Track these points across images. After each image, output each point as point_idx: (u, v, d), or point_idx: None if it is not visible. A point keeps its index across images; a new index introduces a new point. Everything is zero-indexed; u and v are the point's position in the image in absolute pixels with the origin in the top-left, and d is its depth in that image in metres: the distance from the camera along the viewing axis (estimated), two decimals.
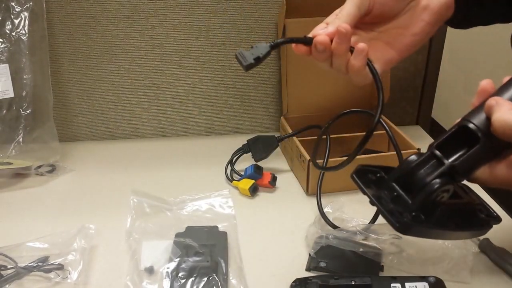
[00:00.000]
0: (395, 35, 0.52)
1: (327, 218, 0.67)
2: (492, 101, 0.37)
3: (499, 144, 0.37)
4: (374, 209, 0.68)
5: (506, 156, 0.38)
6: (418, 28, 0.51)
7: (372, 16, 0.51)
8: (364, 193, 0.40)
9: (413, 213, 0.37)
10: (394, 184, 0.39)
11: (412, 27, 0.51)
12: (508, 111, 0.36)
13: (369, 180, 0.41)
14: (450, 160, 0.37)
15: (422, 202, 0.37)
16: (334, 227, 0.66)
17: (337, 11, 0.52)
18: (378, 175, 0.42)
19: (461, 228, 0.40)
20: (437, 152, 0.38)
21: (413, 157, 0.38)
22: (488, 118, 0.37)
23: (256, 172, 0.78)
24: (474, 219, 0.41)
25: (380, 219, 0.68)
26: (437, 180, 0.36)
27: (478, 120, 0.37)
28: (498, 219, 0.42)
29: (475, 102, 0.40)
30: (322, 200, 0.72)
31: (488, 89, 0.41)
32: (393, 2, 0.50)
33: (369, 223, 0.67)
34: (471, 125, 0.37)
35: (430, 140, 0.98)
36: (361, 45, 0.47)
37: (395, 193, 0.38)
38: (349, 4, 0.50)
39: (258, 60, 0.43)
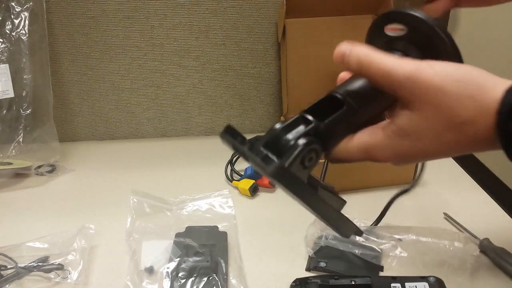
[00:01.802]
0: None
1: None
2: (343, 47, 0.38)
3: (361, 113, 0.38)
4: (376, 210, 0.69)
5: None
6: None
7: None
8: (235, 147, 0.38)
9: (282, 164, 0.35)
10: (262, 149, 0.37)
11: None
12: (362, 48, 0.37)
13: (239, 141, 0.39)
14: (317, 120, 0.38)
15: (292, 161, 0.36)
16: None
17: None
18: (248, 140, 0.40)
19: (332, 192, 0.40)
20: (307, 115, 0.38)
21: (278, 124, 0.38)
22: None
23: (256, 172, 0.78)
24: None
25: (382, 222, 0.68)
26: (303, 139, 0.36)
27: (342, 90, 0.39)
28: (361, 233, 0.43)
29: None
30: None
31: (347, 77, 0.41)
32: None
33: (371, 225, 0.67)
34: (336, 94, 0.39)
35: None
36: None
37: (264, 154, 0.36)
38: None
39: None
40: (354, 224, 0.42)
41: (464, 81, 0.33)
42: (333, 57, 0.39)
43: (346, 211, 0.69)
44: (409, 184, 0.67)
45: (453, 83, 0.33)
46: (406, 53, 0.41)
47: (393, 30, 0.40)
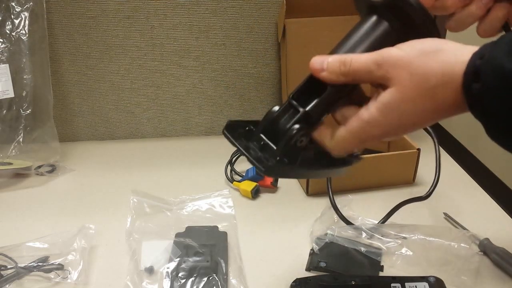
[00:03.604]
0: None
1: (340, 213, 0.67)
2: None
3: (343, 90, 0.41)
4: (383, 208, 0.69)
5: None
6: None
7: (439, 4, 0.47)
8: (234, 145, 0.43)
9: (278, 158, 0.41)
10: (261, 135, 0.43)
11: None
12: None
13: (240, 133, 0.45)
14: (304, 108, 0.42)
15: (284, 147, 0.41)
16: (347, 222, 0.66)
17: None
18: (247, 128, 0.45)
19: (325, 166, 0.45)
20: (293, 102, 0.42)
21: (275, 108, 0.43)
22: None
23: (258, 174, 0.77)
24: (336, 159, 0.45)
25: (389, 220, 0.68)
26: (295, 126, 0.41)
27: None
28: (358, 158, 0.46)
29: None
30: (324, 200, 0.72)
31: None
32: None
33: (378, 223, 0.67)
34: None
35: (430, 140, 0.98)
36: None
37: (262, 142, 0.42)
38: None
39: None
40: (351, 158, 0.46)
41: (430, 50, 0.36)
42: (310, 66, 0.42)
43: (354, 208, 0.70)
44: (425, 193, 0.70)
45: (420, 54, 0.37)
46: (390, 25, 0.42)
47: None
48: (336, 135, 0.41)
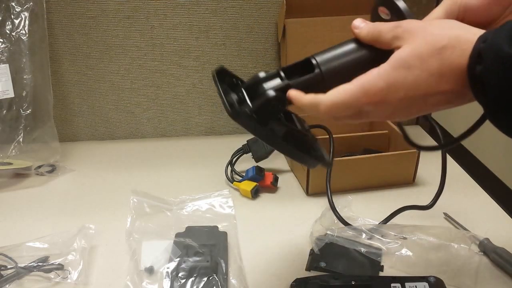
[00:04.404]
0: None
1: (338, 213, 0.67)
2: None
3: (328, 81, 0.43)
4: (383, 208, 0.69)
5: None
6: None
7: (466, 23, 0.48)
8: (217, 87, 0.45)
9: (248, 111, 0.43)
10: (243, 90, 0.46)
11: None
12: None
13: (227, 82, 0.47)
14: (289, 80, 0.44)
15: (258, 106, 0.43)
16: (345, 223, 0.66)
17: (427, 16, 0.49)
18: (235, 81, 0.49)
19: (292, 145, 0.45)
20: (281, 72, 0.45)
21: (262, 72, 0.46)
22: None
23: (258, 174, 0.77)
24: (309, 150, 0.47)
25: (390, 221, 0.69)
26: (273, 92, 0.43)
27: (321, 56, 0.44)
28: (328, 164, 0.48)
29: None
30: (324, 200, 0.72)
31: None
32: (486, 10, 0.46)
33: (379, 223, 0.67)
34: (313, 60, 0.44)
35: (430, 140, 0.98)
36: None
37: (242, 96, 0.45)
38: (438, 10, 0.47)
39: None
40: (321, 158, 0.48)
41: (445, 21, 0.41)
42: (352, 24, 0.44)
43: (353, 209, 0.70)
44: (428, 203, 0.70)
45: (435, 22, 0.41)
46: None
47: (382, 12, 0.45)
48: (335, 89, 0.41)
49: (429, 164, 0.79)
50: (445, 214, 0.71)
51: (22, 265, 0.59)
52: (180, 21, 0.90)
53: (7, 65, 0.84)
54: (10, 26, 0.84)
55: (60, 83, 0.93)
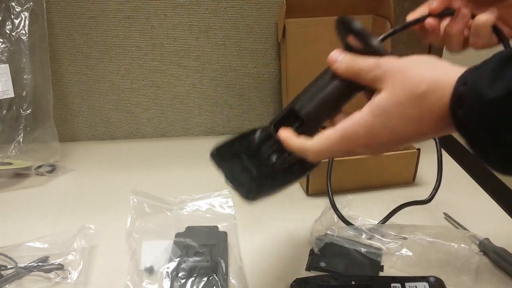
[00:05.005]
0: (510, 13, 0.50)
1: (339, 213, 0.67)
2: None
3: (314, 123, 0.45)
4: (383, 208, 0.69)
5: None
6: None
7: None
8: (220, 171, 0.49)
9: (257, 182, 0.47)
10: (243, 155, 0.48)
11: None
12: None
13: (225, 154, 0.49)
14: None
15: (264, 172, 0.47)
16: (347, 222, 0.66)
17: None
18: (232, 148, 0.49)
19: (296, 176, 0.48)
20: (273, 131, 0.46)
21: (258, 134, 0.47)
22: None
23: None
24: (303, 166, 0.48)
25: (390, 220, 0.69)
26: (274, 156, 0.45)
27: (299, 104, 0.45)
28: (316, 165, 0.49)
29: None
30: (324, 200, 0.72)
31: None
32: None
33: (378, 223, 0.67)
34: (296, 108, 0.45)
35: (430, 140, 0.98)
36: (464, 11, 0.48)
37: (244, 164, 0.48)
38: None
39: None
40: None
41: (426, 61, 0.39)
42: (327, 59, 0.44)
43: (354, 209, 0.70)
44: (427, 197, 0.70)
45: (414, 62, 0.39)
46: None
47: (353, 42, 0.44)
48: (321, 136, 0.42)
49: (429, 164, 0.79)
50: (445, 214, 0.71)
51: (22, 265, 0.59)
52: (180, 21, 0.89)
53: (7, 65, 0.84)
54: (10, 26, 0.84)
55: (60, 83, 0.93)
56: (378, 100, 0.39)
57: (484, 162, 0.36)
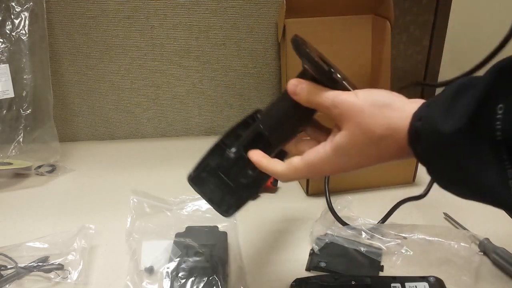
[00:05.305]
0: None
1: (336, 214, 0.67)
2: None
3: (280, 145, 0.49)
4: (379, 209, 0.69)
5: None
6: None
7: None
8: (201, 195, 0.51)
9: (236, 196, 0.50)
10: (219, 173, 0.51)
11: None
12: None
13: (202, 177, 0.53)
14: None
15: (242, 185, 0.50)
16: (343, 223, 0.66)
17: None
18: (206, 169, 0.53)
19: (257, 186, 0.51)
20: (244, 154, 0.49)
21: (231, 154, 0.50)
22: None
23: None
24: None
25: (389, 220, 0.69)
26: (249, 171, 0.49)
27: (267, 129, 0.48)
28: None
29: None
30: (324, 200, 0.72)
31: None
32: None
33: (377, 223, 0.67)
34: (264, 132, 0.48)
35: None
36: None
37: (221, 180, 0.50)
38: None
39: None
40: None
41: (381, 104, 0.40)
42: (287, 88, 0.45)
43: (353, 209, 0.70)
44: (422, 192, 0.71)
45: (372, 105, 0.40)
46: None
47: (307, 65, 0.45)
48: (290, 164, 0.45)
49: None
50: (445, 214, 0.71)
51: (22, 265, 0.59)
52: (180, 21, 0.90)
53: (7, 65, 0.84)
54: (10, 26, 0.84)
55: (60, 83, 0.93)
56: (339, 139, 0.41)
57: (450, 191, 0.40)
